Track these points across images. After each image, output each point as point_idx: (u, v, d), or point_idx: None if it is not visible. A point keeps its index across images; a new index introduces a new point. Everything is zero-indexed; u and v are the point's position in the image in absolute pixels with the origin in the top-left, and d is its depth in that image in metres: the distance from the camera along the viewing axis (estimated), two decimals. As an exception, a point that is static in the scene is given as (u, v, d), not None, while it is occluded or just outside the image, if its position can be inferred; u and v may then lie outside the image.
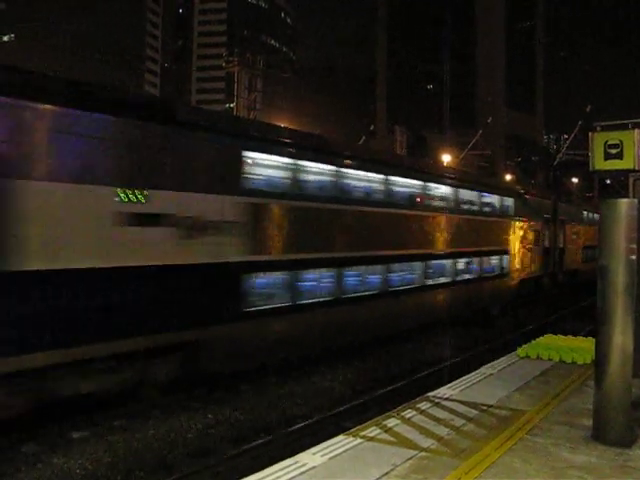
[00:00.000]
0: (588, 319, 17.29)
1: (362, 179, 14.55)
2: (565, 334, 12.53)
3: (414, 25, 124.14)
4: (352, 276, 13.88)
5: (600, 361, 6.28)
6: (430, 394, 7.83)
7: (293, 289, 12.17)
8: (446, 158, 49.17)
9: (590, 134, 11.65)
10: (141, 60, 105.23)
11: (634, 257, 6.16)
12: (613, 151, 11.26)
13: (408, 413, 7.01)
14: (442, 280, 17.56)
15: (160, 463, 8.19)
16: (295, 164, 12.34)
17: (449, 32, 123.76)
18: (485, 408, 7.22)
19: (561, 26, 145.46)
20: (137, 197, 9.06)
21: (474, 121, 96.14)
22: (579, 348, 10.32)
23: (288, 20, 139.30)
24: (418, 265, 16.34)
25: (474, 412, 7.05)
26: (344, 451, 5.78)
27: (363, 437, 6.17)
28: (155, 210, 9.31)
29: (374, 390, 11.77)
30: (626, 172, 11.78)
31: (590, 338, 10.78)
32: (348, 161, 14.01)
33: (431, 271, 16.99)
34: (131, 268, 8.99)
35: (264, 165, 11.67)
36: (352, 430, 6.45)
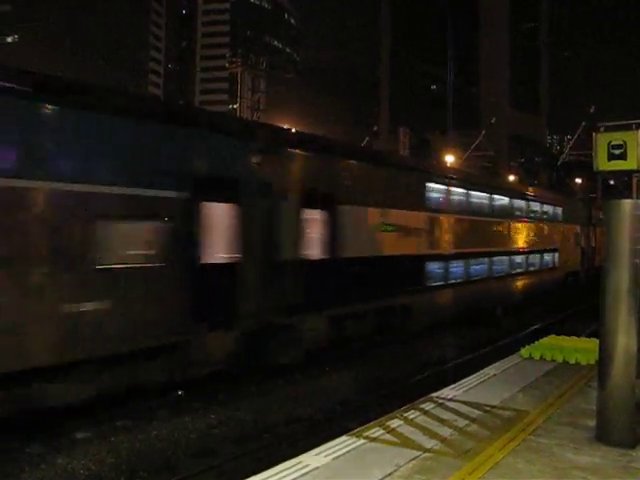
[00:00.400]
0: (591, 320, 17.25)
1: (492, 200, 21.39)
2: (568, 335, 12.51)
3: (417, 26, 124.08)
4: (484, 263, 20.41)
5: (603, 362, 6.28)
6: (433, 395, 7.83)
7: (449, 272, 18.08)
8: (449, 159, 49.11)
9: (594, 135, 11.66)
10: (144, 61, 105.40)
11: (638, 261, 6.15)
12: (617, 152, 11.26)
13: (411, 414, 7.01)
14: (519, 270, 23.55)
15: (163, 464, 8.20)
16: (448, 190, 18.44)
17: (452, 33, 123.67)
18: (488, 409, 7.21)
19: (565, 27, 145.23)
20: (384, 214, 14.96)
21: (478, 122, 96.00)
22: (583, 349, 10.30)
23: (291, 21, 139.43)
24: (506, 259, 22.21)
25: (477, 413, 7.04)
26: (347, 452, 5.78)
27: (366, 438, 6.17)
28: (390, 221, 15.17)
29: (377, 391, 11.77)
30: (630, 172, 11.77)
31: (594, 339, 10.75)
32: (480, 187, 20.78)
33: (518, 263, 23.37)
34: (382, 257, 14.90)
35: (434, 191, 17.67)
36: (355, 431, 6.45)
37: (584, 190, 67.34)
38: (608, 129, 11.53)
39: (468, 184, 19.93)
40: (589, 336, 12.64)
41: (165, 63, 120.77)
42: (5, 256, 7.79)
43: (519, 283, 23.32)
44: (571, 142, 54.20)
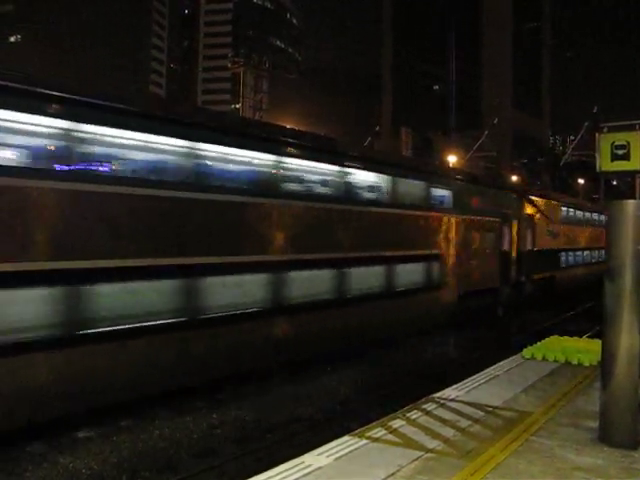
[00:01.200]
0: (594, 321, 17.24)
1: (584, 214, 34.11)
2: (571, 335, 12.49)
3: (419, 26, 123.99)
4: (579, 256, 31.83)
5: (606, 362, 6.27)
6: (435, 395, 7.82)
7: (568, 259, 29.50)
8: (451, 159, 49.13)
9: (597, 135, 11.62)
10: (145, 60, 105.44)
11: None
12: (620, 152, 11.23)
13: (414, 414, 7.00)
14: (592, 260, 33.98)
15: (166, 463, 8.21)
16: (567, 209, 30.09)
17: (454, 33, 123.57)
18: (491, 409, 7.21)
19: (567, 27, 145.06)
20: (547, 225, 25.90)
21: (481, 122, 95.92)
22: (585, 349, 10.29)
23: (293, 20, 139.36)
24: (589, 253, 33.56)
25: (480, 413, 7.04)
26: (349, 452, 5.78)
27: (368, 438, 6.17)
28: (549, 229, 26.16)
29: (378, 391, 11.76)
30: (633, 173, 11.74)
31: (596, 339, 10.75)
32: (575, 206, 32.77)
33: (592, 256, 34.24)
34: (546, 249, 25.11)
35: (562, 210, 28.95)
36: (357, 431, 6.45)
37: (586, 191, 67.34)
38: (611, 129, 11.49)
39: (573, 205, 32.06)
40: (592, 337, 12.63)
41: (167, 63, 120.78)
42: (470, 248, 18.78)
43: (592, 269, 32.95)
44: (574, 143, 54.19)
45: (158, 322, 9.65)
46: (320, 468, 5.36)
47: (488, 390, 8.12)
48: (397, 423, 6.66)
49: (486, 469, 5.37)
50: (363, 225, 14.22)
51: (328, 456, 5.65)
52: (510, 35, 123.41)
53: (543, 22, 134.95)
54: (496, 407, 7.30)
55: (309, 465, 5.42)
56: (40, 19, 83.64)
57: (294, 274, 11.94)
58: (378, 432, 6.35)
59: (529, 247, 23.29)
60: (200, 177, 10.65)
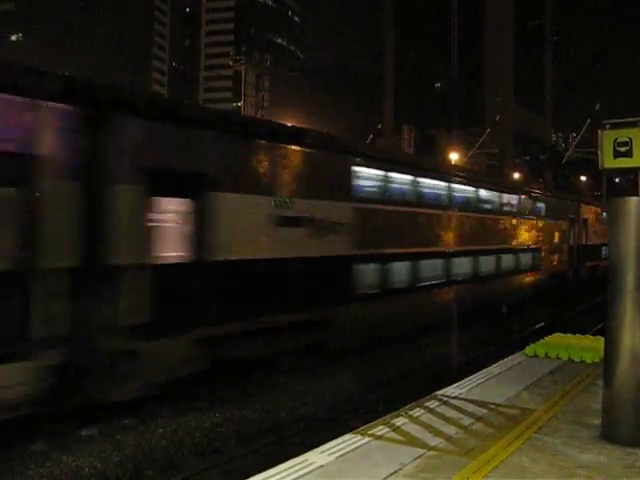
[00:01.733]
0: (597, 318, 17.23)
1: None
2: (574, 332, 12.47)
3: (421, 23, 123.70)
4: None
5: (609, 360, 6.26)
6: (438, 393, 7.82)
7: (605, 252, 29.64)
8: (454, 157, 49.07)
9: (599, 132, 11.55)
10: (147, 59, 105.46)
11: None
12: (622, 149, 11.17)
13: (416, 412, 7.00)
14: None
15: (169, 462, 8.21)
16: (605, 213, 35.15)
17: (456, 30, 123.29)
18: (493, 407, 7.20)
19: (570, 24, 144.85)
20: (597, 228, 33.49)
21: (483, 120, 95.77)
22: (588, 347, 10.26)
23: (295, 18, 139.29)
24: None
25: (482, 411, 7.03)
26: (352, 450, 5.77)
27: (371, 436, 6.17)
28: (598, 230, 33.19)
29: (381, 389, 11.76)
30: (636, 170, 11.69)
31: (599, 337, 10.72)
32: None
33: None
34: (597, 244, 32.16)
35: (604, 215, 34.28)
36: (360, 429, 6.45)
37: (589, 188, 67.31)
38: (614, 126, 11.42)
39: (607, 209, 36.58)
40: (594, 334, 12.61)
41: (169, 61, 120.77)
42: (543, 244, 25.99)
43: None
44: (576, 140, 54.17)
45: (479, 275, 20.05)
46: (323, 466, 5.36)
47: (491, 388, 8.12)
48: (400, 421, 6.66)
49: (489, 467, 5.36)
50: (513, 228, 23.14)
51: (331, 454, 5.65)
52: (512, 33, 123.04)
53: (545, 20, 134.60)
54: (499, 405, 7.29)
55: (312, 463, 5.42)
56: (40, 19, 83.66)
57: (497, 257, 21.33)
58: (381, 430, 6.35)
59: (583, 242, 30.28)
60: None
